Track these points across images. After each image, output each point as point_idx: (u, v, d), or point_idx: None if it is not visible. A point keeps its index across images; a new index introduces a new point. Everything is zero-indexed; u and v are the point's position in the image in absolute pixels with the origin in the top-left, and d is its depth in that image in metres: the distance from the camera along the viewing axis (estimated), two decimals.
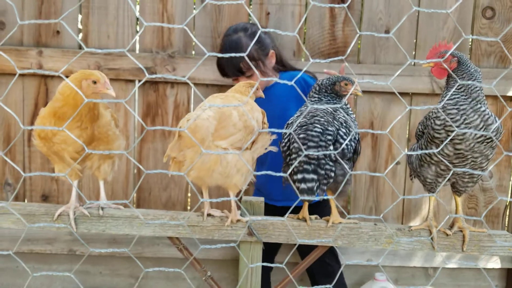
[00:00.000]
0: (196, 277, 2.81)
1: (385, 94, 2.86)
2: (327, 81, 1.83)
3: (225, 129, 1.64)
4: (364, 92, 2.79)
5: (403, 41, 2.86)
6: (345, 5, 1.93)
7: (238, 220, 1.75)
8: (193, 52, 2.86)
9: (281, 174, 1.42)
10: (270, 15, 2.83)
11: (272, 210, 2.31)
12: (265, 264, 1.68)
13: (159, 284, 3.00)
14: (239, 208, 1.81)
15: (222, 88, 2.73)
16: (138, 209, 2.03)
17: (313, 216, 1.86)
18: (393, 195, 2.96)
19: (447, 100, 1.67)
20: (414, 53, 2.87)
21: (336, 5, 2.05)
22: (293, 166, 1.61)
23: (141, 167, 1.40)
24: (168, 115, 2.86)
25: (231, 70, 2.43)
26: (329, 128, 1.66)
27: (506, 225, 3.06)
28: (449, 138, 1.62)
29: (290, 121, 1.84)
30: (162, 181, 2.91)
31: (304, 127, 1.68)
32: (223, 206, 2.77)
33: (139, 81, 2.80)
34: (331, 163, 1.64)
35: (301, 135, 1.66)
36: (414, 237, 1.76)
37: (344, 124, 1.71)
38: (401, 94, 2.85)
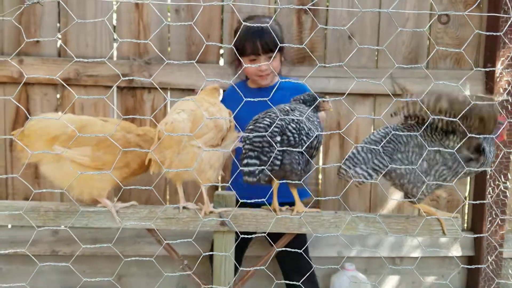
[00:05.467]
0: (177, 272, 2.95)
1: (350, 96, 3.04)
2: (309, 97, 2.10)
3: (199, 129, 1.82)
4: (331, 94, 2.99)
5: (366, 45, 3.06)
6: (307, 6, 2.11)
7: (211, 212, 1.91)
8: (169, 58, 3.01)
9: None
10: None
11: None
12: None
13: (140, 281, 3.13)
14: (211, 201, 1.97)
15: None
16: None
17: (284, 208, 2.03)
18: (361, 190, 3.15)
19: None
20: (376, 56, 3.07)
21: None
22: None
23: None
24: (146, 119, 3.00)
25: (258, 46, 2.40)
26: (278, 122, 1.85)
27: (466, 216, 3.28)
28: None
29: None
30: (141, 182, 3.03)
31: (255, 120, 1.90)
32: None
33: (118, 86, 2.94)
34: (277, 152, 1.81)
35: (250, 126, 1.88)
36: (370, 222, 1.94)
37: (296, 121, 1.89)
38: (365, 95, 3.05)
